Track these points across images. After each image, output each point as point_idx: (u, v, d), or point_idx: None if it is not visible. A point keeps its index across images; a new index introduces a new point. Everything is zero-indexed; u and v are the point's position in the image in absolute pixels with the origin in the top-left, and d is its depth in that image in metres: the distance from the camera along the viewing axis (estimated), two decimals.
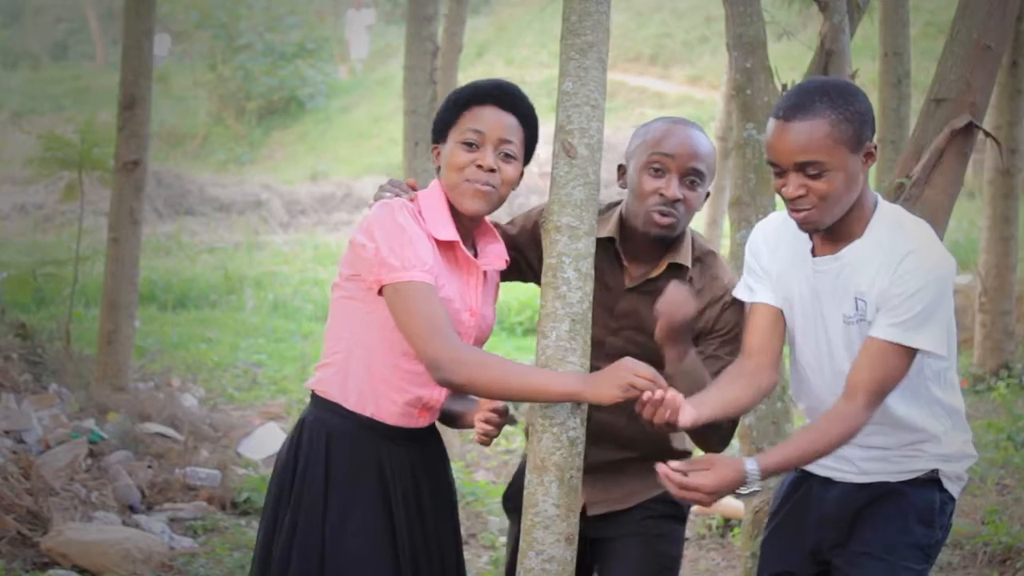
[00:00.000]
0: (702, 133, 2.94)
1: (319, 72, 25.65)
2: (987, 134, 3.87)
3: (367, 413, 2.76)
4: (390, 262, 2.63)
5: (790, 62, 5.73)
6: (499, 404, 2.81)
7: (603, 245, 2.89)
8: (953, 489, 2.84)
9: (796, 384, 2.92)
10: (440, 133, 2.82)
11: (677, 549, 3.09)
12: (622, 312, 2.93)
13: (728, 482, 2.51)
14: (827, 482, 2.87)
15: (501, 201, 2.79)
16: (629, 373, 2.53)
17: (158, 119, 16.44)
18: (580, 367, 2.63)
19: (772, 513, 3.01)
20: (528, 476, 2.65)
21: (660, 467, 2.52)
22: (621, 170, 2.97)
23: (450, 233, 2.74)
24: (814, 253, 2.78)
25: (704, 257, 2.98)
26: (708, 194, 2.95)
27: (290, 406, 8.32)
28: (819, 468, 2.87)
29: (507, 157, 2.76)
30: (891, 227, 2.68)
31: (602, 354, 2.84)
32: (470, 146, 2.74)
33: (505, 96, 2.79)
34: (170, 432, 6.81)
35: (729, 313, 2.92)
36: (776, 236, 2.86)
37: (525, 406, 2.68)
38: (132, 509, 5.77)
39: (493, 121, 2.75)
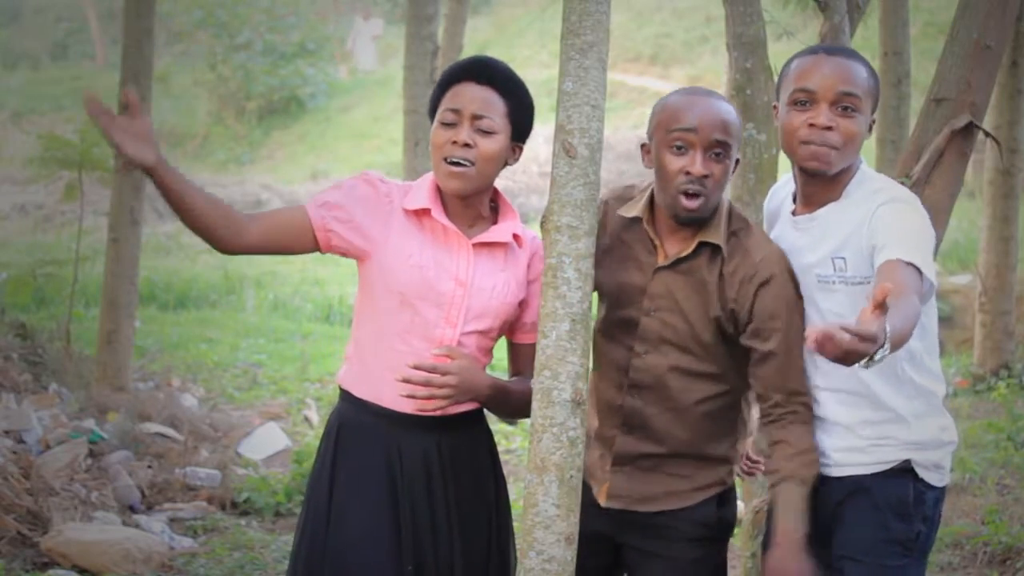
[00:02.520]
0: (722, 100, 2.79)
1: (319, 72, 25.65)
2: (987, 134, 3.87)
3: (373, 400, 2.78)
4: (320, 195, 2.83)
5: None
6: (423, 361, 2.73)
7: (634, 224, 2.84)
8: (931, 478, 2.77)
9: None
10: (432, 116, 2.85)
11: (714, 571, 2.94)
12: (656, 292, 2.80)
13: (880, 332, 2.24)
14: None
15: (485, 178, 2.78)
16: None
17: (158, 119, 16.44)
18: (580, 367, 2.63)
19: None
20: (528, 476, 2.65)
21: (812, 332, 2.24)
22: (645, 148, 2.82)
23: (418, 203, 2.78)
24: (794, 214, 2.83)
25: (739, 231, 2.80)
26: (738, 161, 2.79)
27: (290, 406, 8.31)
28: None
29: (484, 132, 2.75)
30: (867, 192, 2.72)
31: (636, 336, 2.81)
32: (448, 125, 2.76)
33: (481, 70, 2.80)
34: (170, 432, 6.81)
35: (765, 294, 2.73)
36: (775, 192, 3.00)
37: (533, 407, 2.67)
38: (132, 509, 5.77)
39: (468, 97, 2.76)
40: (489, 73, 2.80)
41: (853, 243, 2.66)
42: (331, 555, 2.74)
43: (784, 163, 4.76)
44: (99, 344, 7.59)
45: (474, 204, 2.82)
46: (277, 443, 7.22)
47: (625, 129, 20.06)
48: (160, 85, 17.19)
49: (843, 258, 2.69)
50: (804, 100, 2.71)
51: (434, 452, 2.79)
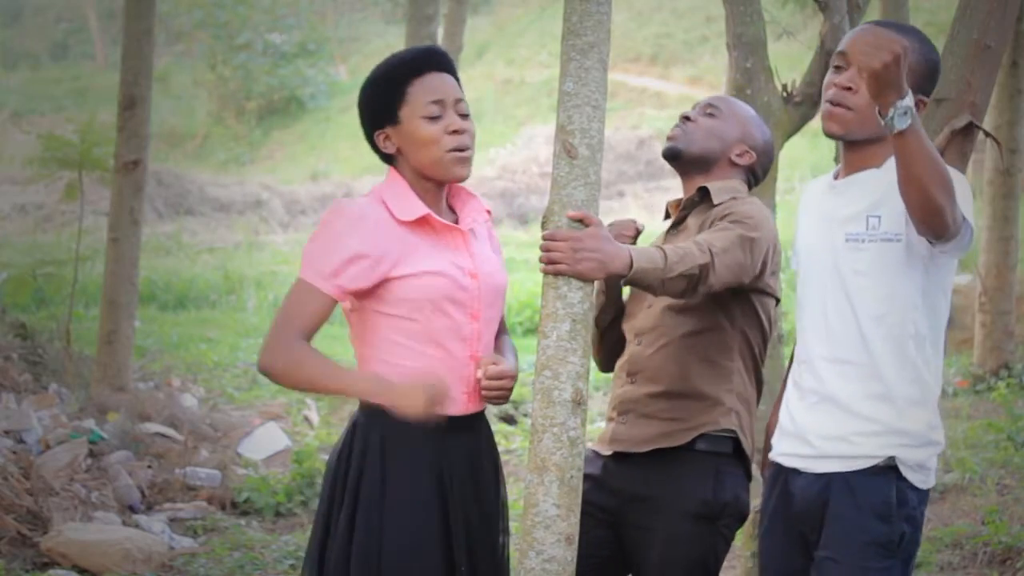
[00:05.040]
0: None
1: (319, 72, 25.67)
2: (987, 134, 3.87)
3: None
4: (304, 260, 2.70)
5: (790, 62, 5.72)
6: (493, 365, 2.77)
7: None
8: (915, 479, 2.72)
9: (797, 348, 2.91)
10: (386, 117, 2.76)
11: (704, 550, 2.98)
12: None
13: (898, 79, 2.43)
14: (795, 473, 2.81)
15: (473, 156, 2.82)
16: (432, 390, 2.62)
17: (158, 119, 16.46)
18: (580, 367, 2.63)
19: (760, 513, 2.96)
20: (528, 476, 2.65)
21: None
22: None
23: (416, 210, 2.73)
24: (832, 179, 2.86)
25: (739, 197, 3.04)
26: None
27: (290, 406, 8.32)
28: (783, 458, 2.83)
29: (464, 115, 2.77)
30: None
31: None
32: (435, 118, 2.73)
33: (440, 59, 2.80)
34: (170, 432, 6.81)
35: (741, 203, 2.96)
36: (813, 190, 2.97)
37: (530, 404, 2.68)
38: (132, 509, 5.78)
39: (443, 86, 2.75)
40: (445, 61, 2.81)
41: (891, 200, 2.65)
42: (386, 564, 2.70)
43: (783, 163, 4.77)
44: (99, 344, 7.59)
45: (444, 190, 2.82)
46: (277, 443, 7.22)
47: (625, 129, 20.07)
48: (160, 85, 17.20)
49: (878, 216, 2.70)
50: (840, 64, 2.78)
51: (475, 449, 2.80)
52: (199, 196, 18.18)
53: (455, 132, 2.72)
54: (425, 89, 2.73)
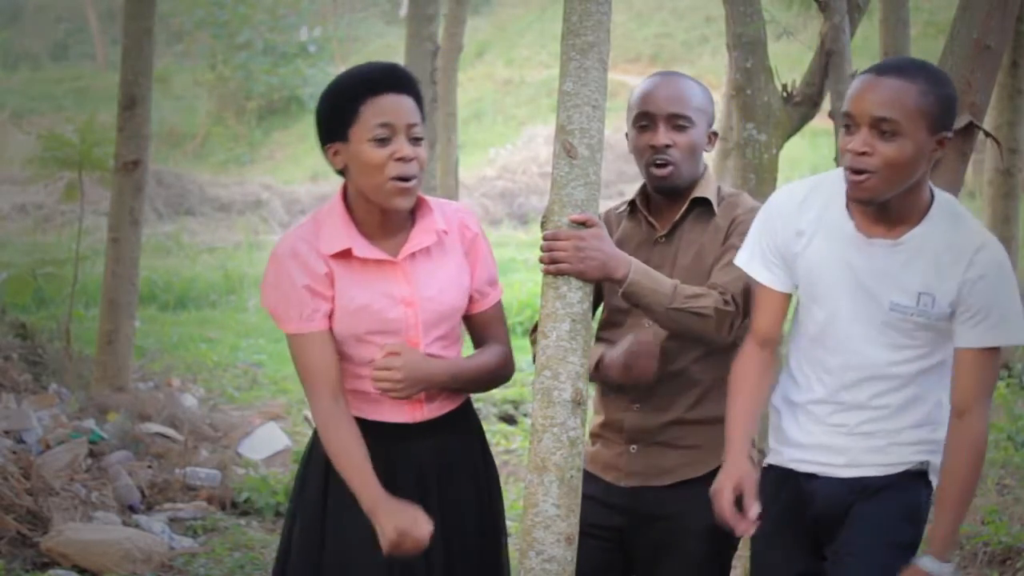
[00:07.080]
0: (686, 79, 3.05)
1: (319, 72, 25.64)
2: (987, 134, 3.87)
3: (360, 415, 2.74)
4: (276, 314, 2.70)
5: (790, 62, 5.71)
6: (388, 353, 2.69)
7: (632, 213, 3.07)
8: (936, 484, 2.73)
9: (795, 364, 2.82)
10: (336, 132, 2.66)
11: (719, 568, 3.02)
12: (657, 264, 2.92)
13: None
14: (811, 477, 2.77)
15: (420, 186, 2.71)
16: (408, 524, 2.58)
17: (158, 119, 16.45)
18: (580, 367, 2.63)
19: (762, 517, 2.81)
20: (528, 476, 2.65)
21: None
22: (629, 137, 3.07)
23: (339, 244, 2.67)
24: (859, 230, 2.67)
25: (728, 197, 3.02)
26: (715, 134, 3.03)
27: (290, 406, 8.31)
28: (802, 464, 2.78)
29: (417, 141, 2.65)
30: (951, 218, 2.63)
31: (640, 312, 2.88)
32: (382, 141, 2.61)
33: (399, 79, 2.68)
34: (170, 432, 6.80)
35: (747, 217, 2.91)
36: (800, 204, 2.76)
37: (530, 404, 2.68)
38: (132, 509, 5.77)
39: (397, 108, 2.63)
40: (406, 82, 2.68)
41: (946, 288, 2.60)
42: (327, 569, 2.71)
43: (784, 163, 4.77)
44: (99, 344, 7.58)
45: (398, 215, 2.72)
46: (277, 443, 7.21)
47: (624, 130, 20.07)
48: (160, 85, 17.18)
49: (932, 296, 2.61)
50: (848, 124, 2.61)
51: (427, 457, 2.77)
52: (199, 196, 18.16)
53: (401, 159, 2.61)
54: (377, 110, 2.62)
